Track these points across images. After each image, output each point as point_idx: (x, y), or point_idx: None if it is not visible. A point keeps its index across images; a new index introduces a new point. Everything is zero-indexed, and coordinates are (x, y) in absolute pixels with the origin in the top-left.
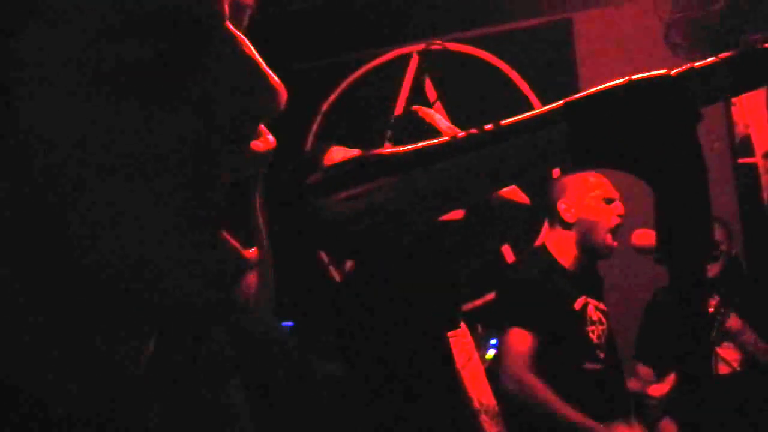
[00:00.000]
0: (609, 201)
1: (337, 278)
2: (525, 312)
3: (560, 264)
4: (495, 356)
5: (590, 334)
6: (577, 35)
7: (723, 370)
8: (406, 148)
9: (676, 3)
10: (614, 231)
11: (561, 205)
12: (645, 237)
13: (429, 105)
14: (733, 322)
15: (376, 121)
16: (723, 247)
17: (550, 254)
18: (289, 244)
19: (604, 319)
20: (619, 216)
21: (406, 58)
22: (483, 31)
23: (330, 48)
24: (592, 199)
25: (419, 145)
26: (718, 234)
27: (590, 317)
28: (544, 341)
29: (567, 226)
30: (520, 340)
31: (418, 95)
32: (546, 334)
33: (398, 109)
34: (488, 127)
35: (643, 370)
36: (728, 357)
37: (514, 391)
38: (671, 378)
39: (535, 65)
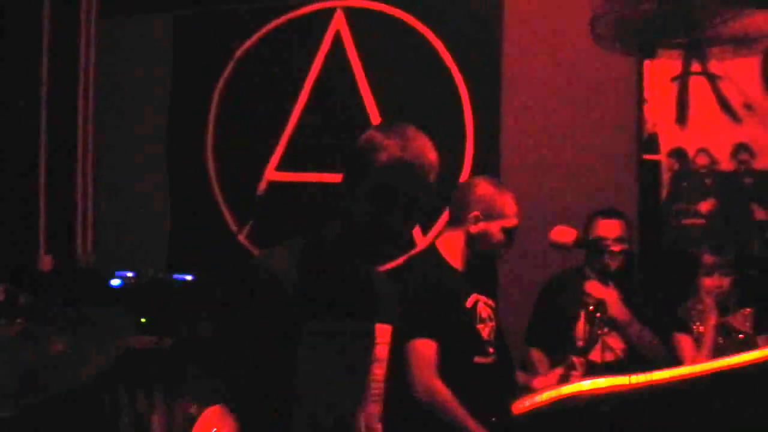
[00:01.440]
0: (511, 231)
1: (237, 232)
2: (426, 322)
3: (450, 264)
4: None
5: (481, 331)
6: (506, 12)
7: (608, 357)
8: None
9: None
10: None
11: (472, 216)
12: (563, 234)
13: (347, 63)
14: (621, 313)
15: (292, 72)
16: (626, 245)
17: (440, 255)
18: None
19: (493, 315)
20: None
21: (330, 12)
22: None
23: None
24: (499, 224)
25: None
26: (622, 231)
27: (480, 314)
28: (441, 341)
29: (467, 231)
30: (425, 349)
31: (337, 52)
32: (444, 336)
33: (316, 65)
34: None
35: (537, 354)
36: (614, 345)
37: (426, 400)
38: (557, 372)
39: (460, 36)
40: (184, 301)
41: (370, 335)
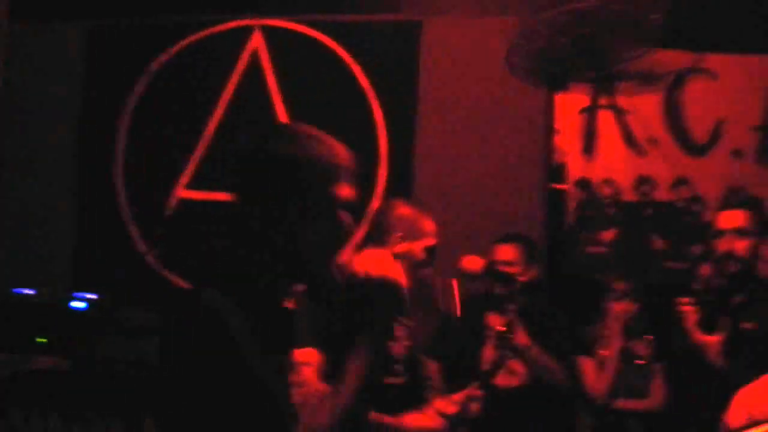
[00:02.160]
0: (432, 250)
1: (145, 252)
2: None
3: None
4: None
5: (393, 350)
6: (424, 38)
7: (512, 381)
8: None
9: (523, 29)
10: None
11: (395, 237)
12: (473, 262)
13: (263, 82)
14: (522, 338)
15: (207, 90)
16: (517, 269)
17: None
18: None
19: (408, 336)
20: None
21: (248, 30)
22: (332, 18)
23: (169, 6)
24: (421, 244)
25: None
26: (517, 255)
27: (395, 333)
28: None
29: (390, 249)
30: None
31: (254, 71)
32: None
33: (232, 82)
34: None
35: (433, 367)
36: (517, 370)
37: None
38: (457, 397)
39: (378, 61)
40: (84, 322)
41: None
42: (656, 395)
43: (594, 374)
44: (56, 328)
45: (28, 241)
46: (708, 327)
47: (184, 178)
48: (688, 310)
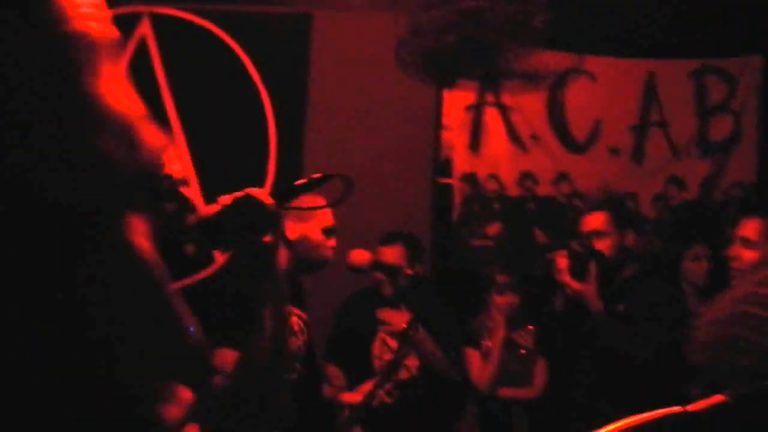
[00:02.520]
0: (330, 230)
1: None
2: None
3: None
4: None
5: (290, 345)
6: (315, 32)
7: (404, 375)
8: None
9: (413, 26)
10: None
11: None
12: (360, 257)
13: (151, 70)
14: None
15: None
16: (409, 269)
17: None
18: None
19: (305, 329)
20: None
21: (136, 17)
22: (222, 8)
23: None
24: (316, 225)
25: None
26: (399, 257)
27: (291, 327)
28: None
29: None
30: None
31: (142, 59)
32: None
33: None
34: None
35: (332, 370)
36: (409, 364)
37: None
38: (365, 388)
39: (268, 53)
40: None
41: None
42: (537, 384)
43: (479, 364)
44: None
45: None
46: (580, 276)
47: None
48: (560, 260)
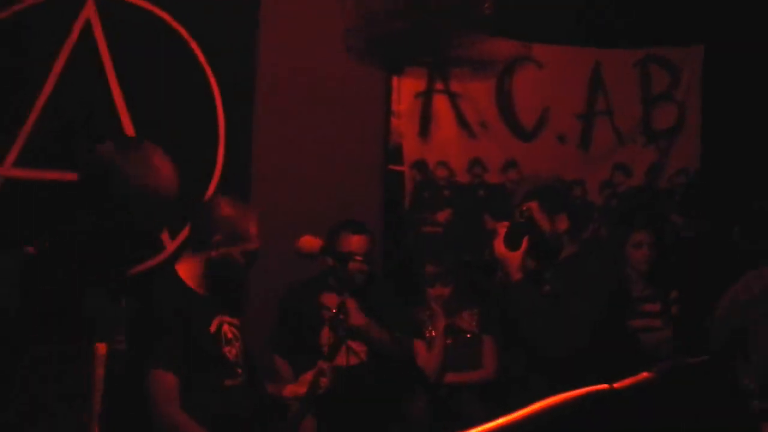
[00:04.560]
0: (251, 255)
1: None
2: (165, 353)
3: (192, 290)
4: None
5: (227, 354)
6: (263, 16)
7: (353, 360)
8: None
9: (361, 12)
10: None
11: (215, 240)
12: (309, 243)
13: (97, 55)
14: (358, 320)
15: (35, 61)
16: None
17: (181, 281)
18: None
19: (239, 335)
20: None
21: (80, 0)
22: None
23: None
24: (240, 248)
25: None
26: (369, 246)
27: (225, 336)
28: (187, 371)
29: (208, 255)
30: (165, 382)
31: (86, 42)
32: (191, 365)
33: (63, 54)
34: None
35: (279, 361)
36: (357, 349)
37: None
38: (306, 378)
39: (216, 37)
40: None
41: (86, 357)
42: (488, 365)
43: (424, 352)
44: None
45: None
46: (512, 246)
47: (12, 155)
48: (500, 227)
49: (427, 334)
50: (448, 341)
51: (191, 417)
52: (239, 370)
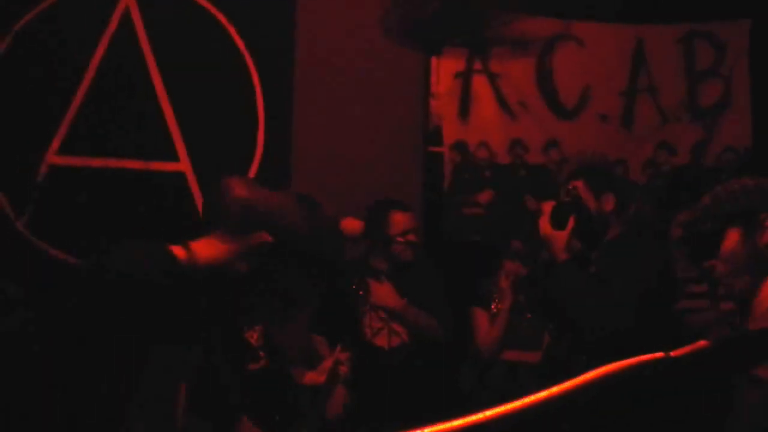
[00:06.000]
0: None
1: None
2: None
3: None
4: None
5: (249, 338)
6: (300, 1)
7: (395, 341)
8: None
9: None
10: None
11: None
12: (351, 225)
13: (136, 42)
14: (394, 301)
15: (77, 51)
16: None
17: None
18: None
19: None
20: None
21: None
22: None
23: None
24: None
25: None
26: (413, 223)
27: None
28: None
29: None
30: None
31: (126, 32)
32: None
33: (104, 43)
34: None
35: (318, 339)
36: (399, 330)
37: None
38: (326, 365)
39: (254, 23)
40: None
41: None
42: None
43: (486, 324)
44: None
45: None
46: (558, 226)
47: (55, 143)
48: (545, 206)
49: (493, 308)
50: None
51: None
52: (263, 354)
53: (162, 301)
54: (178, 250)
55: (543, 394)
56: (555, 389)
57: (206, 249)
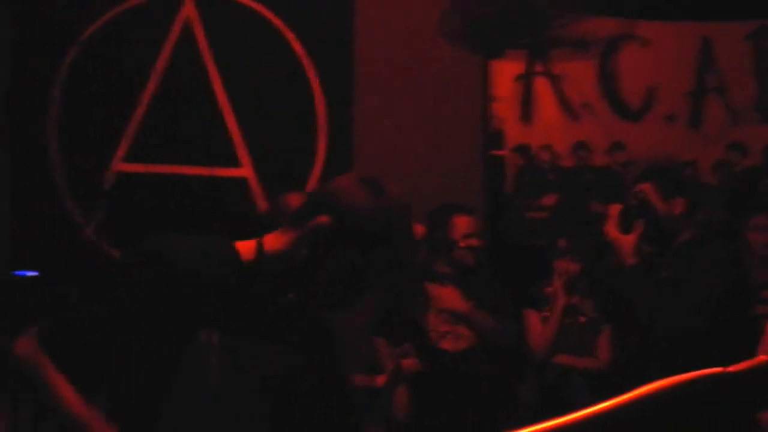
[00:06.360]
0: None
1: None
2: None
3: None
4: None
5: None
6: (359, 4)
7: (461, 345)
8: None
9: None
10: None
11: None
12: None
13: (197, 50)
14: (460, 305)
15: (140, 59)
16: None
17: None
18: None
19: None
20: None
21: None
22: None
23: None
24: None
25: None
26: (477, 226)
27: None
28: None
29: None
30: None
31: (187, 39)
32: None
33: (166, 51)
34: None
35: (380, 342)
36: (466, 334)
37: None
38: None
39: (312, 28)
40: (27, 299)
41: (301, 374)
42: (602, 354)
43: (538, 326)
44: None
45: None
46: (626, 230)
47: (121, 151)
48: (611, 210)
49: (547, 309)
50: (565, 321)
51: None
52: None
53: (226, 296)
54: (243, 246)
55: (600, 408)
56: (610, 403)
57: (271, 242)
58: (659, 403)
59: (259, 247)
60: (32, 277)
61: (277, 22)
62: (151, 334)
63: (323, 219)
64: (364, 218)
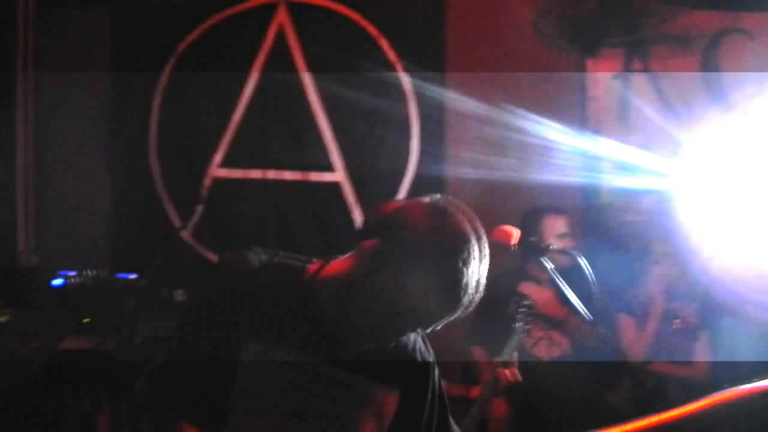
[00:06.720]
0: None
1: (182, 230)
2: None
3: None
4: None
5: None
6: (450, 8)
7: (555, 352)
8: None
9: None
10: None
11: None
12: (505, 234)
13: (291, 58)
14: (556, 311)
15: (235, 68)
16: (569, 241)
17: None
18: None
19: None
20: None
21: (272, 7)
22: None
23: None
24: None
25: None
26: (566, 227)
27: None
28: None
29: None
30: None
31: (281, 48)
32: None
33: (260, 60)
34: None
35: (477, 352)
36: (559, 341)
37: None
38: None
39: (404, 32)
40: (127, 301)
41: (356, 390)
42: (697, 364)
43: (633, 331)
44: (99, 307)
45: (69, 225)
46: None
47: (218, 157)
48: None
49: (642, 315)
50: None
51: None
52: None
53: (282, 313)
54: (313, 267)
55: (669, 415)
56: (677, 412)
57: (336, 265)
58: (727, 412)
59: (320, 268)
60: (133, 279)
61: (369, 27)
62: (217, 345)
63: (370, 243)
64: (412, 245)
